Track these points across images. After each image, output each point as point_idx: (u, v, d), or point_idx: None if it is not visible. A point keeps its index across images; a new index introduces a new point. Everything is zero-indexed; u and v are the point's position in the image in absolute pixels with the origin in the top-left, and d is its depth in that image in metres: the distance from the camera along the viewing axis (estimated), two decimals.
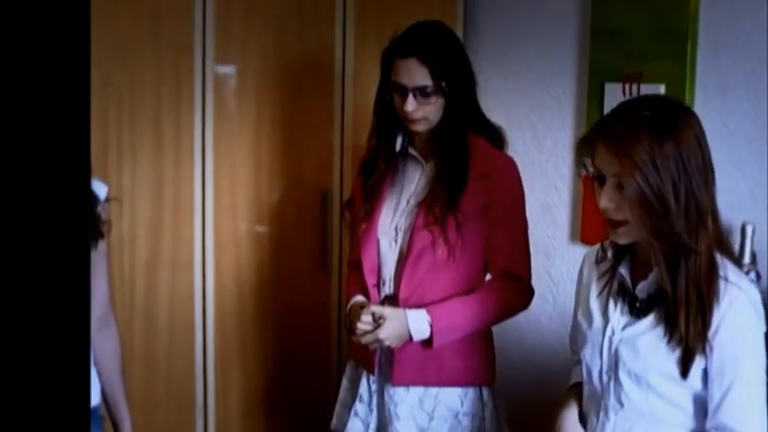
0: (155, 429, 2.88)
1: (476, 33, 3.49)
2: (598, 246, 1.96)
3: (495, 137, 2.40)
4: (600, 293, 1.90)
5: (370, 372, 2.43)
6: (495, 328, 2.47)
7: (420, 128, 2.33)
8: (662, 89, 2.71)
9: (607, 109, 2.82)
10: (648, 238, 1.74)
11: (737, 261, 1.84)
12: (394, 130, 2.40)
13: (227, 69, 3.03)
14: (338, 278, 3.28)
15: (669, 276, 1.73)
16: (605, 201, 1.74)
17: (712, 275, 1.72)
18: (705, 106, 2.64)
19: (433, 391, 2.36)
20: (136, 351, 2.92)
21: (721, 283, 1.71)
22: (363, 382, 2.47)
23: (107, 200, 2.18)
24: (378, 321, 2.27)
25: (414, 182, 2.39)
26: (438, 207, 2.28)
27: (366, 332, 2.27)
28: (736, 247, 2.40)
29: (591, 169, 1.78)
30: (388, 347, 2.34)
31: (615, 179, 1.73)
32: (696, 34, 2.67)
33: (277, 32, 3.09)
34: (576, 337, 2.01)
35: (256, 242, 3.17)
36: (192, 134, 2.97)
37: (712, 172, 1.76)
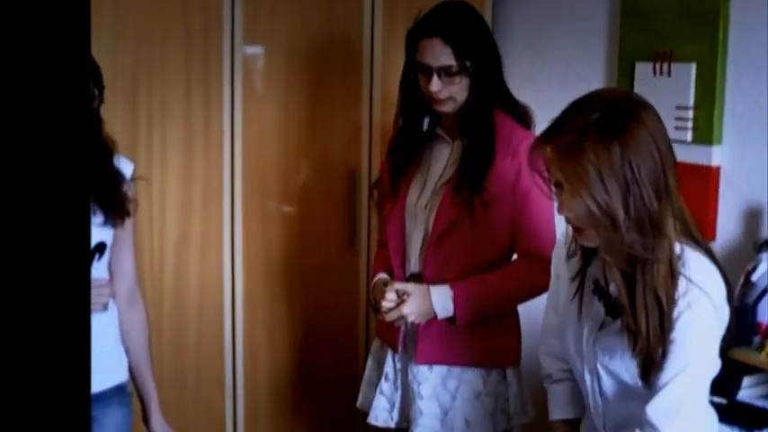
0: (183, 407, 2.91)
1: (505, 14, 3.47)
2: (569, 239, 1.87)
3: (523, 116, 2.39)
4: (574, 296, 1.84)
5: (395, 350, 2.45)
6: (520, 309, 2.47)
7: (446, 108, 2.32)
8: (693, 69, 2.68)
9: (638, 89, 2.81)
10: (601, 252, 1.70)
11: (709, 251, 1.74)
12: (420, 110, 2.40)
13: (256, 50, 3.04)
14: (366, 258, 3.29)
15: (626, 288, 1.68)
16: (563, 209, 1.68)
17: (672, 282, 1.65)
18: (737, 85, 2.61)
19: (457, 370, 2.37)
20: (165, 330, 2.95)
21: (682, 283, 1.65)
22: (388, 360, 2.48)
23: (133, 178, 2.20)
24: (401, 298, 2.28)
25: (441, 161, 2.39)
26: (465, 186, 2.27)
27: (390, 309, 2.28)
28: None
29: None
30: (413, 325, 2.34)
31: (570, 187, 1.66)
32: (728, 13, 2.63)
33: (305, 12, 3.09)
34: (548, 333, 2.00)
35: (285, 223, 3.18)
36: (221, 114, 2.99)
37: (673, 164, 1.67)
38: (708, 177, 2.66)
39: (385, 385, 2.49)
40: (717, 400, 2.22)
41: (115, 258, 2.19)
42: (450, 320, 2.30)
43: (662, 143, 1.64)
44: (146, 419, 2.34)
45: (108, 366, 2.19)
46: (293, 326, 3.24)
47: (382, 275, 2.44)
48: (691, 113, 2.68)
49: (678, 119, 2.69)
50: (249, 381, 3.17)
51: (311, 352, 3.29)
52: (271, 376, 3.23)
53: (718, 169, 2.67)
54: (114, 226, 2.13)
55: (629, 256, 1.65)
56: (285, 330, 3.23)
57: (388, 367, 2.48)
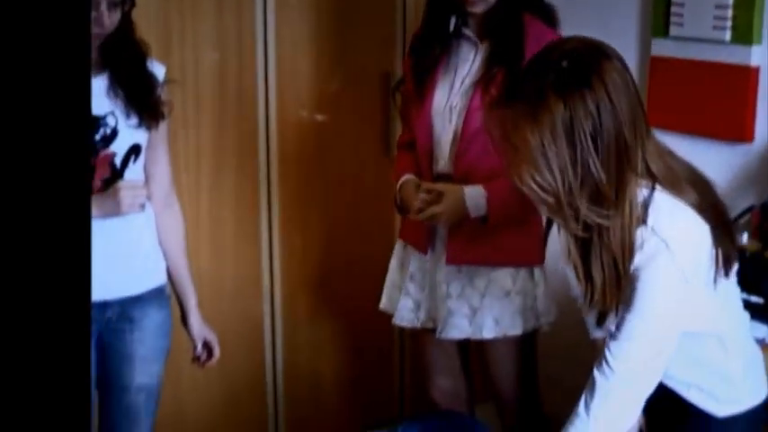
0: (221, 312, 2.97)
1: None
2: None
3: (550, 17, 2.36)
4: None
5: (423, 251, 2.46)
6: None
7: (478, 8, 2.30)
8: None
9: None
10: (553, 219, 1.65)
11: (690, 192, 1.66)
12: (447, 10, 2.38)
13: None
14: None
15: (579, 249, 1.64)
16: (510, 176, 1.63)
17: (628, 251, 1.60)
18: None
19: (486, 269, 2.38)
20: (202, 233, 3.01)
21: (645, 233, 1.59)
22: (415, 261, 2.50)
23: (166, 81, 2.22)
24: (434, 197, 2.29)
25: (468, 62, 2.37)
26: (494, 87, 2.26)
27: (422, 209, 2.29)
28: None
29: None
30: (443, 226, 2.36)
31: None
32: None
33: None
34: None
35: (319, 129, 3.19)
36: (254, 20, 2.98)
37: (641, 114, 1.61)
38: (746, 78, 2.61)
39: (410, 286, 2.51)
40: (753, 299, 2.23)
41: (150, 162, 2.22)
42: (482, 220, 2.31)
43: (623, 99, 1.56)
44: (184, 321, 2.40)
45: (147, 269, 2.25)
46: (328, 232, 3.28)
47: (410, 176, 2.45)
48: (729, 12, 2.61)
49: (716, 18, 2.63)
50: (286, 284, 3.23)
51: (346, 257, 3.33)
52: (307, 280, 3.28)
53: (756, 70, 2.62)
54: (149, 129, 2.15)
55: (584, 222, 1.60)
56: (320, 236, 3.28)
57: (414, 268, 2.50)
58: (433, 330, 2.46)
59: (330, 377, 3.42)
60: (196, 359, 2.43)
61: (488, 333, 2.39)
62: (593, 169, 1.54)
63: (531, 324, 2.42)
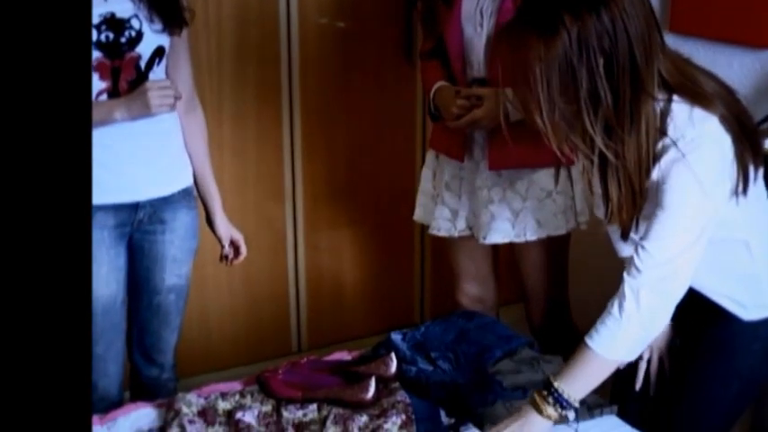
0: (244, 215, 3.01)
1: None
2: None
3: None
4: None
5: (459, 159, 2.44)
6: None
7: None
8: None
9: None
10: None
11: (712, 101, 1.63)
12: None
13: None
14: None
15: (597, 170, 1.65)
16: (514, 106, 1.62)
17: (645, 169, 1.60)
18: None
19: (526, 171, 2.37)
20: (225, 138, 3.03)
21: (665, 145, 1.59)
22: (449, 169, 2.49)
23: None
24: (474, 102, 2.27)
25: None
26: None
27: (461, 115, 2.28)
28: None
29: None
30: (480, 132, 2.36)
31: None
32: None
33: None
34: None
35: (340, 37, 3.18)
36: None
37: (656, 32, 1.58)
38: None
39: (446, 195, 2.50)
40: None
41: (173, 67, 2.22)
42: (522, 122, 2.29)
43: (636, 19, 1.53)
44: (210, 223, 2.43)
45: (176, 170, 2.26)
46: (350, 137, 3.29)
47: (443, 83, 2.40)
48: None
49: None
50: (308, 189, 3.26)
51: (369, 164, 3.35)
52: (329, 185, 3.31)
53: None
54: (171, 34, 2.15)
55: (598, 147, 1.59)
56: (342, 141, 3.29)
57: (449, 177, 2.49)
58: (470, 238, 2.48)
59: (351, 281, 3.48)
60: (224, 258, 2.46)
61: (532, 235, 2.40)
62: (606, 92, 1.53)
63: (572, 224, 2.43)
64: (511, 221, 2.40)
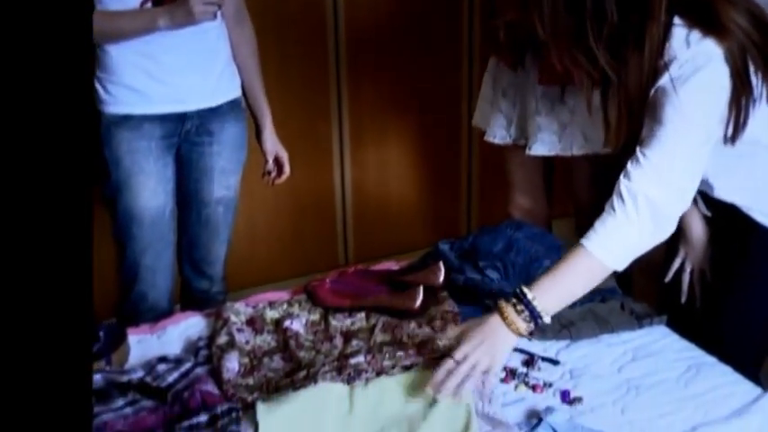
0: (289, 129, 3.00)
1: None
2: None
3: None
4: None
5: (512, 68, 2.42)
6: None
7: None
8: None
9: None
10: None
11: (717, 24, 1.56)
12: None
13: None
14: None
15: (601, 95, 1.63)
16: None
17: (645, 91, 1.56)
18: None
19: (574, 88, 2.30)
20: (270, 48, 3.00)
21: (664, 67, 1.54)
22: (507, 77, 2.46)
23: None
24: None
25: None
26: None
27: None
28: None
29: None
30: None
31: None
32: None
33: None
34: None
35: None
36: None
37: None
38: None
39: (503, 101, 2.48)
40: None
41: None
42: None
43: None
44: (258, 136, 2.43)
45: (223, 80, 2.24)
46: (397, 50, 3.26)
47: None
48: None
49: None
50: (354, 104, 3.24)
51: (415, 75, 3.32)
52: (375, 100, 3.28)
53: None
54: None
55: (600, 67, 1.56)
56: (388, 55, 3.25)
57: (506, 84, 2.46)
58: (524, 147, 2.45)
59: (398, 196, 3.48)
60: (267, 174, 2.46)
61: (578, 150, 2.37)
62: (612, 10, 1.49)
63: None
64: (558, 134, 2.38)
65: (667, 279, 1.99)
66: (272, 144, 2.42)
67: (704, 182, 1.73)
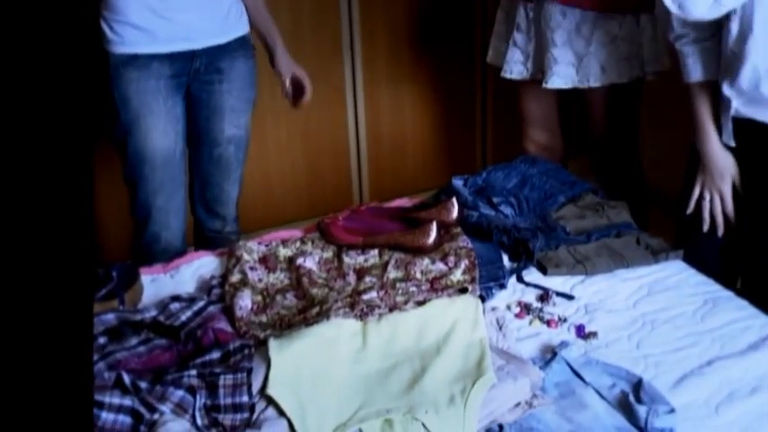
0: (302, 65, 2.97)
1: None
2: None
3: None
4: None
5: (527, 0, 2.38)
6: None
7: None
8: None
9: None
10: None
11: None
12: None
13: None
14: None
15: None
16: None
17: None
18: None
19: (591, 15, 2.29)
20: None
21: None
22: (520, 10, 2.41)
23: None
24: None
25: None
26: None
27: None
28: None
29: None
30: None
31: None
32: None
33: None
34: None
35: None
36: None
37: None
38: None
39: (518, 36, 2.44)
40: None
41: None
42: None
43: None
44: (272, 62, 2.35)
45: (230, 18, 2.20)
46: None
47: None
48: None
49: None
50: (367, 46, 3.19)
51: (427, 18, 3.27)
52: (388, 43, 3.24)
53: None
54: None
55: None
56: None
57: (520, 18, 2.42)
58: (540, 82, 2.41)
59: (412, 135, 3.44)
60: (285, 96, 2.36)
61: (595, 81, 2.34)
62: None
63: (637, 72, 2.35)
64: (575, 66, 2.34)
65: (689, 211, 1.96)
66: (287, 64, 2.34)
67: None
